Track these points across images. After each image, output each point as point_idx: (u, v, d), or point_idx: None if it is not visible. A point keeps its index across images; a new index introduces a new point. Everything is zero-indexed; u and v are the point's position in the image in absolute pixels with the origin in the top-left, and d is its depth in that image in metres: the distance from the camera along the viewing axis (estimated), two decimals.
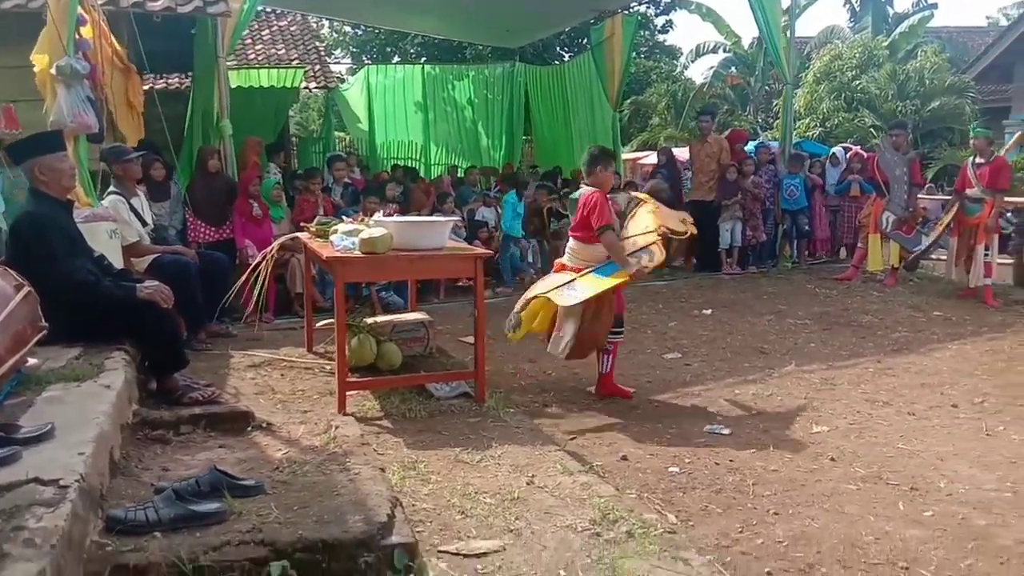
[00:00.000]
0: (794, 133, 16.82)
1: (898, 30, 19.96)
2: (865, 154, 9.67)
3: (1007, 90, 18.53)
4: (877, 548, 2.98)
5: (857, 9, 23.31)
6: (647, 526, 2.78)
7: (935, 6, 22.07)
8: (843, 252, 9.96)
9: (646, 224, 4.71)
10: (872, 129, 16.35)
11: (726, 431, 4.24)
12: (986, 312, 7.05)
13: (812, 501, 3.40)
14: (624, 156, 19.24)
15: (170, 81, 12.94)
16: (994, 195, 7.38)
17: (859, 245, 8.61)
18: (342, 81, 15.62)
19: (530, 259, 9.17)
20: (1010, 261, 8.31)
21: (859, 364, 5.46)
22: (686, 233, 4.93)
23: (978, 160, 7.45)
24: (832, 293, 7.85)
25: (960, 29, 24.63)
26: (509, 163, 13.20)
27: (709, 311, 7.17)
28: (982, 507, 3.30)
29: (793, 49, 20.10)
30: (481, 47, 17.23)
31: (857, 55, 17.74)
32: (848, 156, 10.12)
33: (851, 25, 23.03)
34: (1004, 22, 24.36)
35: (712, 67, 23.07)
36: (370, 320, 5.04)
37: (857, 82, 17.08)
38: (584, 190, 4.68)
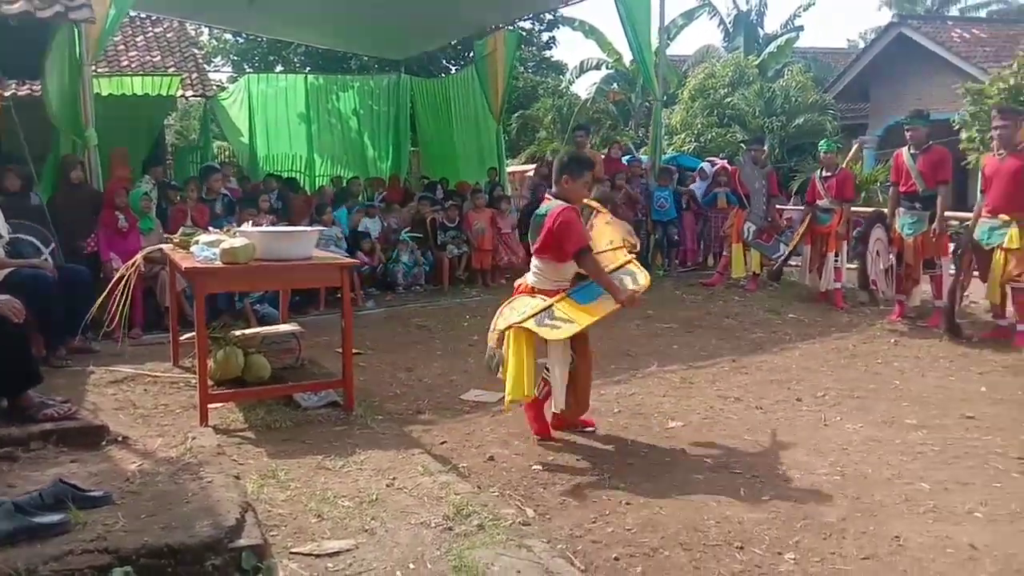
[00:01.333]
0: (671, 148, 17.64)
1: (768, 50, 21.11)
2: (730, 167, 10.23)
3: (864, 108, 19.92)
4: (717, 530, 3.21)
5: (730, 29, 24.54)
6: (499, 519, 2.91)
7: (801, 28, 23.53)
8: (711, 260, 10.50)
9: (610, 239, 4.29)
10: (742, 144, 17.24)
11: (589, 429, 4.44)
12: (835, 314, 7.60)
13: (663, 491, 3.61)
14: (512, 168, 19.59)
15: (35, 88, 12.30)
16: (841, 205, 7.98)
17: (724, 253, 9.12)
18: (222, 89, 15.24)
19: (414, 271, 9.23)
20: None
21: (716, 364, 5.81)
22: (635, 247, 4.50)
23: (825, 173, 8.04)
24: (698, 298, 8.29)
25: (824, 50, 26.31)
26: (395, 174, 13.22)
27: None
28: (813, 490, 3.60)
29: (671, 67, 21.01)
30: (366, 58, 17.19)
31: (729, 73, 18.65)
32: (715, 170, 10.70)
33: (725, 44, 24.21)
34: (862, 45, 26.16)
35: (595, 83, 23.75)
36: (238, 332, 4.99)
37: (729, 99, 17.97)
38: (551, 204, 4.05)
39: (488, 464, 3.89)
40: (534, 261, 4.20)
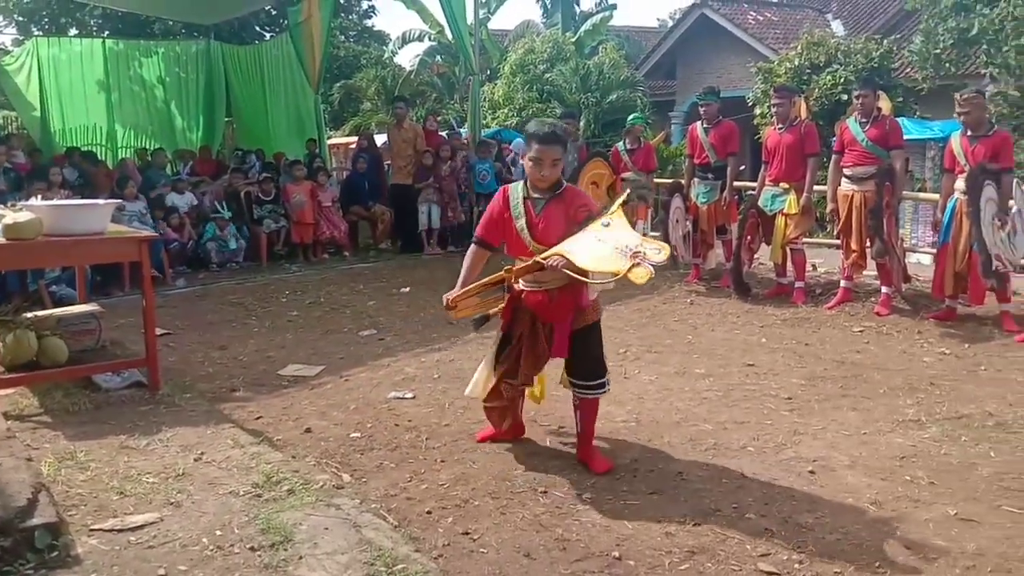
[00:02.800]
0: (494, 122, 17.95)
1: (584, 27, 21.88)
2: None
3: (672, 85, 21.18)
4: (523, 479, 3.43)
5: (549, 6, 25.16)
6: (310, 484, 2.96)
7: (614, 6, 24.54)
8: None
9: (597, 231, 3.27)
10: (561, 118, 17.87)
11: (409, 395, 4.55)
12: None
13: (476, 448, 3.80)
14: (336, 140, 19.19)
15: None
16: (645, 175, 8.51)
17: None
18: (6, 53, 13.81)
19: (232, 245, 8.91)
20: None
21: None
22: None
23: (630, 145, 8.53)
24: None
25: (636, 29, 27.57)
26: (207, 145, 12.58)
27: (407, 289, 7.51)
28: (612, 436, 3.91)
29: (492, 42, 21.25)
30: (171, 23, 16.14)
31: (548, 49, 19.16)
32: None
33: (544, 21, 24.83)
34: (670, 24, 27.69)
35: (418, 55, 23.65)
36: (30, 315, 4.65)
37: (548, 75, 18.50)
38: None
39: (305, 436, 3.91)
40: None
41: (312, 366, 5.12)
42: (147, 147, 12.06)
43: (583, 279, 3.21)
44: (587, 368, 3.52)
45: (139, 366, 4.28)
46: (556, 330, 3.45)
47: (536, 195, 3.39)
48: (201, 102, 13.39)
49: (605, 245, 3.14)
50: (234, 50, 13.86)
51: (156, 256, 7.45)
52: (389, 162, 10.10)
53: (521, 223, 3.37)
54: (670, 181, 8.70)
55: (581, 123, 15.28)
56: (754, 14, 19.45)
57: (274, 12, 17.56)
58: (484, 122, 17.09)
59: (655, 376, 4.85)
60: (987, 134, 5.69)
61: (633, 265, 3.01)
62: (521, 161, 3.54)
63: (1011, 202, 5.65)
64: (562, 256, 3.14)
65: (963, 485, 3.33)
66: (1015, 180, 5.71)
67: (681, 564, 2.75)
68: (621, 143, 8.55)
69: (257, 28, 18.88)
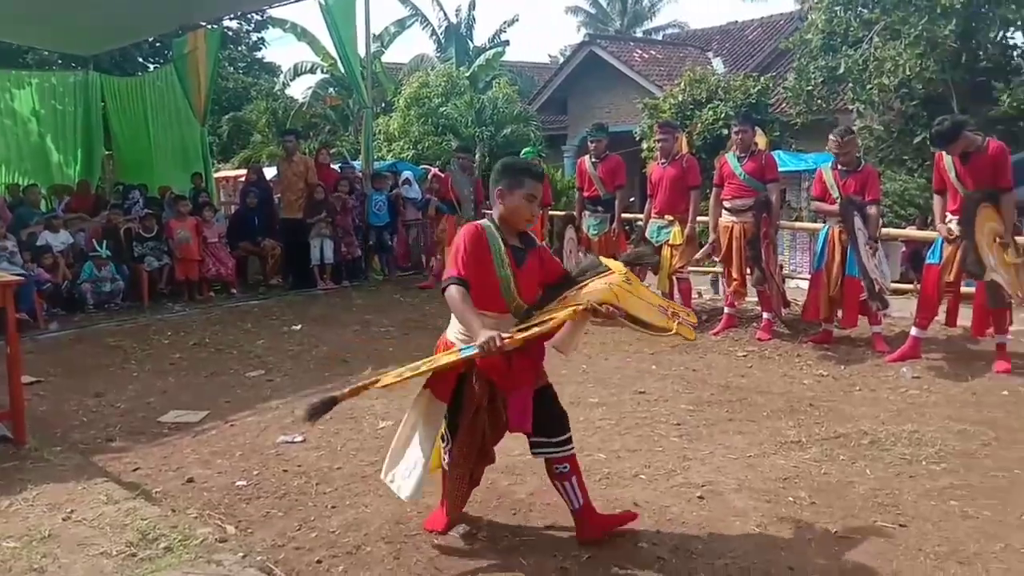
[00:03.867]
0: (389, 154, 17.90)
1: (477, 62, 22.19)
2: (442, 175, 10.62)
3: (564, 120, 21.73)
4: (418, 520, 3.36)
5: (443, 40, 25.41)
6: (189, 539, 2.81)
7: (507, 42, 25.07)
8: (433, 263, 10.83)
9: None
10: (455, 152, 18.02)
11: (299, 438, 4.40)
12: None
13: (369, 491, 3.70)
14: (225, 173, 18.69)
15: None
16: (541, 208, 8.64)
17: (437, 257, 9.48)
18: None
19: (107, 288, 8.46)
20: None
21: None
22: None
23: None
24: (415, 301, 8.53)
25: (529, 64, 28.23)
26: (85, 180, 11.97)
27: (299, 326, 7.32)
28: (508, 470, 3.89)
29: (387, 75, 21.24)
30: (47, 52, 15.39)
31: (442, 83, 19.35)
32: (429, 176, 11.05)
33: (438, 55, 25.03)
34: (561, 60, 28.44)
35: (310, 87, 23.38)
36: None
37: (443, 108, 18.65)
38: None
39: (187, 486, 3.72)
40: None
41: (195, 411, 4.90)
42: (19, 183, 11.39)
43: (642, 329, 3.02)
44: (559, 423, 3.10)
45: (4, 419, 3.98)
46: (515, 398, 2.95)
47: (515, 243, 3.02)
48: (79, 135, 12.76)
49: (641, 301, 3.04)
50: (114, 81, 13.32)
51: (27, 299, 6.99)
52: (279, 196, 9.87)
53: (506, 273, 2.96)
54: (563, 213, 8.87)
55: (476, 156, 15.42)
56: (640, 51, 20.25)
57: (158, 44, 17.03)
58: (379, 154, 17.05)
59: None
60: (856, 170, 6.07)
61: (678, 323, 3.02)
62: (496, 201, 3.06)
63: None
64: (614, 307, 2.86)
65: (842, 503, 3.48)
66: (877, 208, 6.11)
67: None
68: None
69: (140, 59, 18.26)
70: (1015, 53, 12.42)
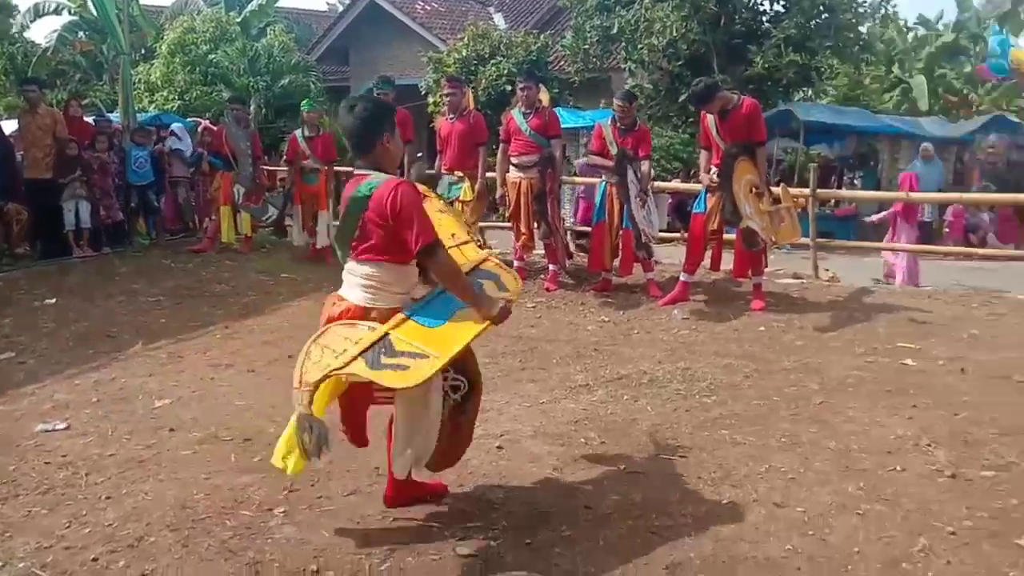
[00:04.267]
0: (152, 106, 16.39)
1: (249, 8, 20.73)
2: (214, 127, 9.87)
3: (346, 71, 20.97)
4: (207, 503, 3.16)
5: None
6: None
7: None
8: (207, 224, 10.09)
9: (451, 231, 3.24)
10: (228, 103, 16.81)
11: (62, 426, 3.97)
12: (328, 270, 7.94)
13: (147, 476, 3.42)
14: None
15: None
16: (326, 165, 8.32)
17: (212, 217, 8.85)
18: None
19: None
20: None
21: (208, 332, 5.65)
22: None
23: (308, 133, 8.26)
24: (188, 266, 7.88)
25: (305, 12, 26.87)
26: None
27: (53, 300, 6.53)
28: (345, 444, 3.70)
29: (146, 18, 19.34)
30: None
31: (210, 29, 17.88)
32: (200, 129, 10.23)
33: None
34: (340, 8, 27.35)
35: (56, 30, 20.73)
36: None
37: (212, 56, 17.28)
38: (374, 179, 2.80)
39: None
40: (357, 267, 2.87)
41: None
42: None
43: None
44: None
45: None
46: None
47: None
48: None
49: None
50: None
51: None
52: (22, 153, 8.68)
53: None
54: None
55: (252, 108, 14.52)
56: (422, 3, 19.94)
57: None
58: (140, 106, 15.51)
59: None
60: (633, 128, 6.43)
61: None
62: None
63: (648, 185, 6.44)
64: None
65: (628, 441, 3.71)
66: (649, 163, 6.52)
67: (381, 565, 2.72)
68: (299, 131, 8.25)
69: None
70: (764, 19, 13.64)
